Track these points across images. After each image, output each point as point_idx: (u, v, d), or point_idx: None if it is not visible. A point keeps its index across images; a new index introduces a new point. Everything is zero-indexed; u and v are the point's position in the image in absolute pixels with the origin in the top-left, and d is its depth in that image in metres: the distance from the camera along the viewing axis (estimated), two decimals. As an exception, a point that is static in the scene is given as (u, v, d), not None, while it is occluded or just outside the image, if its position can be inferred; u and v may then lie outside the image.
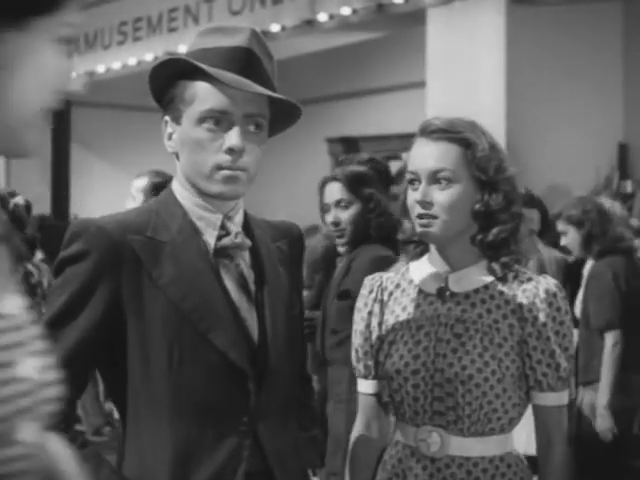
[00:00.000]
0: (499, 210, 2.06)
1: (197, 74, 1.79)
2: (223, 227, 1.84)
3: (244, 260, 1.87)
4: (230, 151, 1.78)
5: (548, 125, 7.44)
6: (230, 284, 1.83)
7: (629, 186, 7.52)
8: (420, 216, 2.04)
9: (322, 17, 8.61)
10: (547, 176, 7.07)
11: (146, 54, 10.19)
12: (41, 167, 10.50)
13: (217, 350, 1.76)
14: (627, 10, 7.73)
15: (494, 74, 7.38)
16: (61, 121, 7.68)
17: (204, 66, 1.77)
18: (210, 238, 1.83)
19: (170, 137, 1.85)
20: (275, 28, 8.91)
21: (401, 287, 2.16)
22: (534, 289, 2.07)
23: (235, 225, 1.86)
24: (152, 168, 4.43)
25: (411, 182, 2.08)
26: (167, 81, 1.84)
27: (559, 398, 2.10)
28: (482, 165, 2.04)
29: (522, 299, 2.07)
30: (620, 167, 7.67)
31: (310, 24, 8.74)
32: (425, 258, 2.16)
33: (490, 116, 7.17)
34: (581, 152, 7.52)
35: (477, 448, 2.04)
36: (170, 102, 1.84)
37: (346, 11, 8.40)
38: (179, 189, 1.86)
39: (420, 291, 2.13)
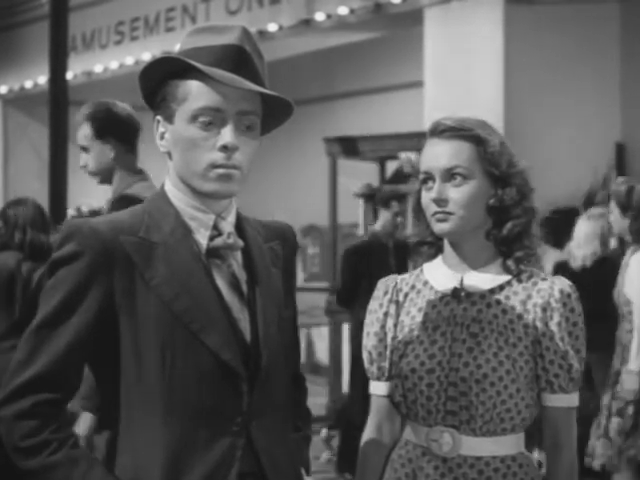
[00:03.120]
0: (513, 205, 2.08)
1: (189, 73, 1.78)
2: (215, 227, 1.83)
3: (236, 260, 1.85)
4: (224, 149, 1.77)
5: (545, 125, 7.45)
6: (222, 284, 1.81)
7: (626, 186, 7.52)
8: (436, 214, 2.05)
9: (319, 17, 8.62)
10: (544, 175, 7.07)
11: (143, 54, 10.19)
12: (38, 166, 10.50)
13: (209, 350, 1.75)
14: (624, 9, 7.74)
15: (492, 74, 7.38)
16: (58, 120, 7.66)
17: (197, 64, 1.76)
18: (202, 238, 1.82)
19: (162, 136, 1.84)
20: (272, 28, 8.91)
21: (416, 288, 2.17)
22: (549, 289, 2.08)
23: (228, 225, 1.85)
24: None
25: (424, 182, 2.09)
26: (158, 81, 1.82)
27: (570, 400, 2.09)
28: (494, 160, 2.06)
29: (537, 299, 2.07)
30: (617, 166, 7.67)
31: (307, 24, 8.75)
32: (439, 259, 2.16)
33: (488, 115, 7.13)
34: (579, 151, 7.52)
35: (489, 448, 2.04)
36: (162, 101, 1.82)
37: (343, 11, 8.41)
38: (171, 189, 1.85)
39: (436, 292, 2.13)
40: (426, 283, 2.16)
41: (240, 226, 1.88)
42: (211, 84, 1.77)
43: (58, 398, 1.74)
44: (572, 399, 2.10)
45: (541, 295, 2.08)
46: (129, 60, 10.45)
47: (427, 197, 2.07)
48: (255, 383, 1.80)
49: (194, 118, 1.78)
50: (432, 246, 2.18)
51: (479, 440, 2.04)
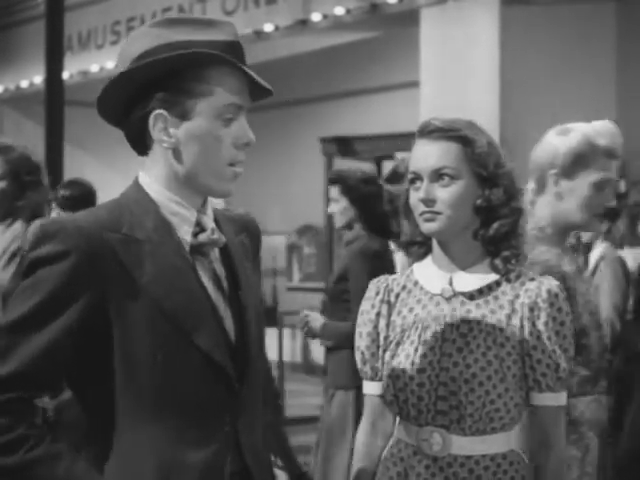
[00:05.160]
0: (500, 205, 2.09)
1: (209, 67, 1.73)
2: (198, 223, 1.79)
3: (215, 256, 1.81)
4: (245, 146, 1.75)
5: (542, 124, 7.44)
6: (207, 282, 1.78)
7: (623, 186, 7.53)
8: (424, 213, 2.07)
9: (316, 17, 8.61)
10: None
11: (139, 53, 10.18)
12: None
13: (201, 351, 1.71)
14: (620, 9, 7.74)
15: (488, 74, 7.39)
16: (54, 120, 7.66)
17: (239, 63, 1.73)
18: (185, 235, 1.76)
19: (166, 132, 1.74)
20: (269, 28, 8.91)
21: (407, 288, 2.19)
22: (536, 289, 2.09)
23: (209, 220, 1.81)
24: None
25: (413, 182, 2.11)
26: (159, 75, 1.73)
27: (557, 399, 2.11)
28: (482, 161, 2.08)
29: (524, 299, 2.09)
30: (613, 166, 7.67)
31: (304, 24, 8.74)
32: (429, 259, 2.18)
33: (484, 116, 7.18)
34: (574, 152, 7.52)
35: (479, 447, 2.06)
36: (171, 95, 1.73)
37: (340, 11, 8.40)
38: (150, 183, 1.78)
39: (426, 292, 2.15)
40: (416, 283, 2.18)
41: (216, 220, 1.84)
42: (238, 81, 1.75)
43: (31, 396, 1.66)
44: (560, 398, 2.11)
45: (528, 295, 2.09)
46: (125, 60, 10.44)
47: (415, 197, 2.10)
48: (243, 381, 1.78)
49: (220, 114, 1.73)
50: (422, 246, 2.20)
51: (469, 439, 2.06)
